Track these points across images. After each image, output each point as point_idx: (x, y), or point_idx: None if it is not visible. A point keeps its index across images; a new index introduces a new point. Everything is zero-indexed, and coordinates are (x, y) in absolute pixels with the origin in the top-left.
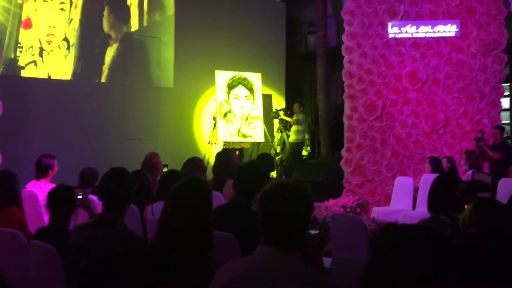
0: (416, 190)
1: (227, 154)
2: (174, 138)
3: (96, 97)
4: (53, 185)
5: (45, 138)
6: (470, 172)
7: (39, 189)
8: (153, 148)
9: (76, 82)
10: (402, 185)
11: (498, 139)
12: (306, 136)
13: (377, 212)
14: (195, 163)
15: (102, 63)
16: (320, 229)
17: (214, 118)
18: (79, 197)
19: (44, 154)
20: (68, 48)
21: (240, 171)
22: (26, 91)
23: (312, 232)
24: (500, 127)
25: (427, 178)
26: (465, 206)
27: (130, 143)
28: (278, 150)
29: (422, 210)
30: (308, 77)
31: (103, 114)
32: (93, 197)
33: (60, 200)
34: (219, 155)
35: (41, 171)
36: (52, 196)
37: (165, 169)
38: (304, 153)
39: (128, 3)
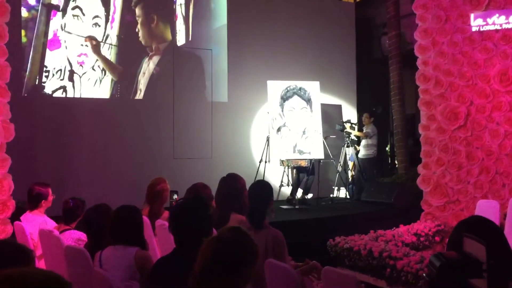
0: (504, 216)
1: (232, 181)
2: (228, 156)
3: (141, 115)
4: (47, 218)
5: (88, 159)
6: None
7: (28, 222)
8: (206, 167)
9: (117, 99)
10: (486, 210)
11: None
12: (388, 148)
13: None
14: (198, 189)
15: (145, 80)
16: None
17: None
18: None
19: (37, 182)
20: (104, 69)
21: (173, 213)
22: (61, 111)
23: None
24: None
25: None
26: None
27: (181, 162)
28: (351, 167)
29: None
30: (384, 84)
31: (150, 133)
32: (78, 233)
33: None
34: (222, 183)
35: (33, 202)
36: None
37: (174, 197)
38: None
39: (174, 13)
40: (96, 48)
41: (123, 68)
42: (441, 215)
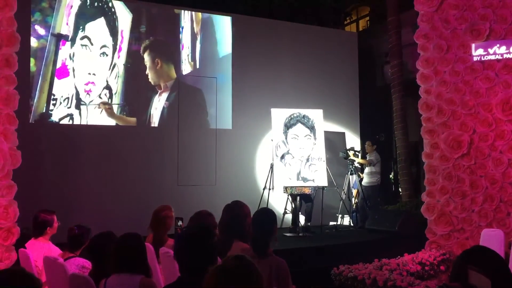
0: (509, 245)
1: (237, 209)
2: (232, 183)
3: (145, 142)
4: (51, 245)
5: (93, 186)
6: None
7: (33, 249)
8: (210, 194)
9: (123, 127)
10: (491, 239)
11: None
12: (392, 176)
13: None
14: (202, 216)
15: (158, 113)
16: None
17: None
18: None
19: (42, 209)
20: (111, 97)
21: (178, 241)
22: (67, 139)
23: None
24: None
25: None
26: None
27: (185, 189)
28: (354, 194)
29: None
30: (387, 112)
31: (155, 160)
32: (82, 261)
33: None
34: (225, 210)
35: (38, 229)
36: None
37: (179, 223)
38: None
39: (178, 52)
40: (110, 111)
41: (130, 99)
42: (446, 243)
